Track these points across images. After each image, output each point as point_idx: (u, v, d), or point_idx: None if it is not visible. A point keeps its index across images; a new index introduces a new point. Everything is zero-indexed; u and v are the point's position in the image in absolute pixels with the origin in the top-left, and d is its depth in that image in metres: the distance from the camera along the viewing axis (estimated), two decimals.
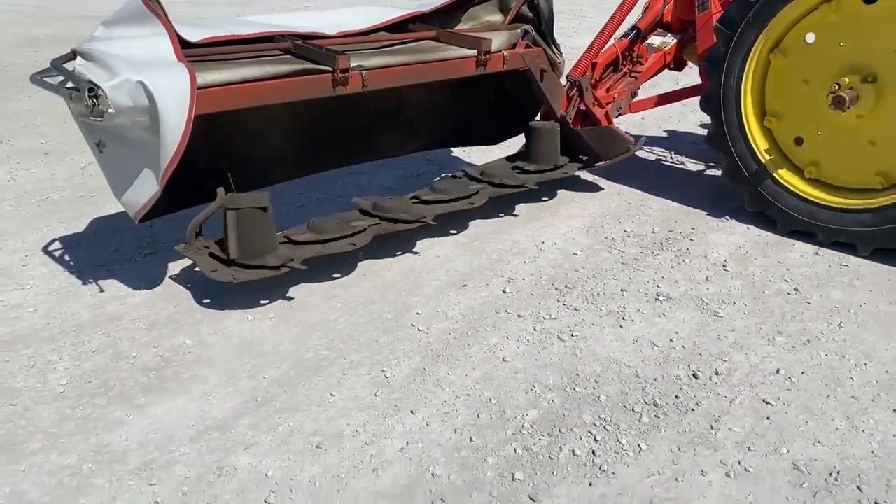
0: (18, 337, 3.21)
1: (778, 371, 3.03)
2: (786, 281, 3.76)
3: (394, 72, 3.70)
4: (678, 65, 5.47)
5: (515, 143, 5.32)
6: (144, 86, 2.84)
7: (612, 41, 5.01)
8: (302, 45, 3.54)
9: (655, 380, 2.97)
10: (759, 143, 4.30)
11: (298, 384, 2.92)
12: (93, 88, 2.79)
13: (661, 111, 6.57)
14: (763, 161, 4.27)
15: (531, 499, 2.37)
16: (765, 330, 3.33)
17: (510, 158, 4.81)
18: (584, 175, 5.10)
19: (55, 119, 6.54)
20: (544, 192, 4.80)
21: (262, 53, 3.47)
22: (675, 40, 5.19)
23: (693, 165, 5.50)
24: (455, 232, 4.27)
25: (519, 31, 4.29)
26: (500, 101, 4.96)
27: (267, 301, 3.51)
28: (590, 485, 2.43)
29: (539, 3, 4.50)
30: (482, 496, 2.38)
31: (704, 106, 4.47)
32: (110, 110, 2.78)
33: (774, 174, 4.25)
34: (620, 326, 3.35)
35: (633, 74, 5.05)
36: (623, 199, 4.80)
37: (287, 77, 3.32)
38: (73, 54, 3.08)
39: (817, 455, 2.57)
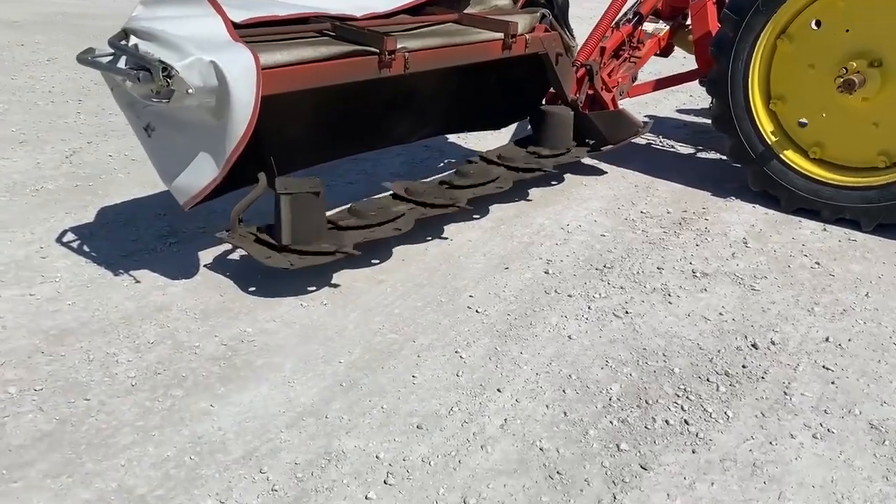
0: (66, 330, 3.07)
1: (827, 339, 3.19)
2: (805, 256, 3.95)
3: (432, 54, 3.70)
4: (665, 51, 5.63)
5: (507, 130, 5.41)
6: (216, 66, 2.75)
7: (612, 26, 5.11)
8: (343, 27, 3.48)
9: (719, 351, 3.09)
10: (765, 125, 4.48)
11: (377, 368, 2.89)
12: (166, 68, 2.68)
13: (638, 97, 6.74)
14: (769, 142, 4.46)
15: (643, 467, 2.44)
16: (802, 301, 3.49)
17: (518, 143, 4.85)
18: (584, 159, 5.18)
19: (17, 106, 6.21)
20: (553, 176, 4.87)
21: (305, 35, 3.40)
22: (668, 27, 5.34)
23: (683, 149, 5.67)
24: (479, 217, 4.28)
25: (538, 14, 4.34)
26: (502, 86, 4.99)
27: (315, 287, 3.45)
28: (693, 452, 2.51)
29: None
30: (594, 467, 2.43)
31: (711, 89, 4.61)
32: (190, 90, 2.67)
33: (780, 154, 4.44)
34: (669, 303, 3.45)
35: (632, 59, 5.17)
36: (629, 182, 4.92)
37: (340, 58, 3.27)
38: (124, 34, 2.95)
39: (888, 415, 2.73)
